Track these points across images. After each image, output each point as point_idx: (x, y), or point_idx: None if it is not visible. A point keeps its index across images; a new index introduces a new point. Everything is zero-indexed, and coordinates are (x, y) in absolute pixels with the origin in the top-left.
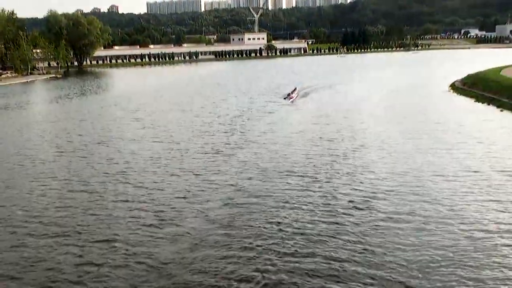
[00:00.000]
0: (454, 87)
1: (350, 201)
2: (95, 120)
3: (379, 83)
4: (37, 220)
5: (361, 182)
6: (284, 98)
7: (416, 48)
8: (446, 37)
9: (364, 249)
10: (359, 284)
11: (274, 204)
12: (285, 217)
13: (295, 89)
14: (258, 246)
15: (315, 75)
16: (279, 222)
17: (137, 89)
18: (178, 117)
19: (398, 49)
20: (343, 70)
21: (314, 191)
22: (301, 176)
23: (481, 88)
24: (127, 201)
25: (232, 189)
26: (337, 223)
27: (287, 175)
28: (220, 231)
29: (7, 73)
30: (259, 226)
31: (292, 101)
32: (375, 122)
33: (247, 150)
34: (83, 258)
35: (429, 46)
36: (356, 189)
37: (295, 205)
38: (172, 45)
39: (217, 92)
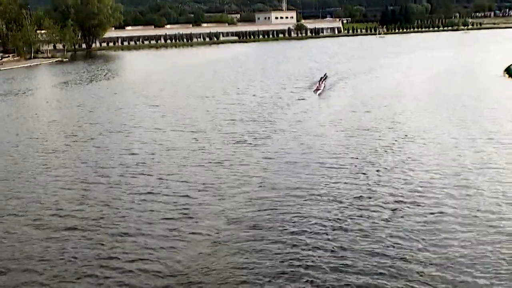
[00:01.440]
0: (509, 71)
1: (393, 197)
2: (108, 107)
3: (423, 67)
4: (51, 213)
5: (405, 177)
6: (314, 91)
7: (466, 27)
8: (500, 15)
9: (416, 248)
10: (414, 283)
11: (306, 200)
12: (321, 216)
13: (325, 77)
14: (288, 251)
15: (350, 58)
16: (314, 223)
17: (152, 74)
18: (198, 104)
19: (445, 28)
20: (383, 53)
21: (352, 187)
22: (336, 169)
23: None
24: (145, 193)
25: (257, 184)
26: (379, 221)
27: (320, 168)
28: (243, 233)
29: (9, 56)
30: (289, 227)
31: (319, 93)
32: (420, 110)
33: (274, 140)
34: (96, 252)
35: (480, 25)
36: (400, 185)
37: (331, 200)
38: (191, 25)
39: (241, 77)
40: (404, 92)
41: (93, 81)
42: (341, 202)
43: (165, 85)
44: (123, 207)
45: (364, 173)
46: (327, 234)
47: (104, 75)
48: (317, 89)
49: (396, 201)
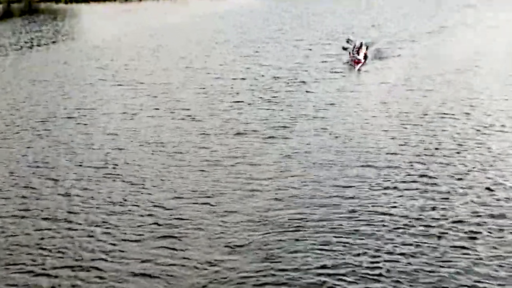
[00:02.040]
0: None
1: (479, 219)
2: (58, 83)
3: (501, 31)
4: None
5: (489, 186)
6: (349, 64)
7: None
8: None
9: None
10: None
11: (345, 222)
12: (369, 249)
13: (362, 46)
14: None
15: (405, 14)
16: (357, 262)
17: (122, 37)
18: (187, 80)
19: None
20: (446, 9)
21: (415, 203)
22: (388, 175)
23: None
24: (112, 206)
25: (271, 196)
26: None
27: (363, 173)
28: (250, 266)
29: None
30: (316, 262)
31: (359, 68)
32: (500, 90)
33: (296, 132)
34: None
35: None
36: (487, 200)
37: (384, 224)
38: None
39: (247, 41)
40: (483, 63)
41: (34, 46)
42: (400, 228)
43: (139, 53)
44: (78, 227)
45: (431, 183)
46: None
47: (53, 37)
48: (356, 61)
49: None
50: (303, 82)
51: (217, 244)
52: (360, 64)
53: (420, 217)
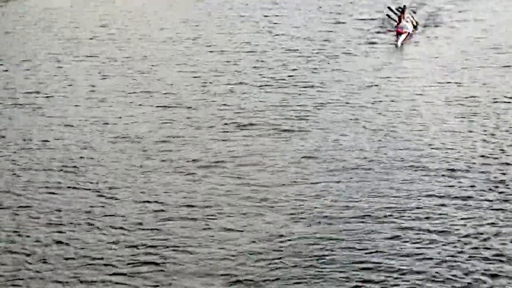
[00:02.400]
0: None
1: None
2: (4, 58)
3: None
4: None
5: None
6: (394, 32)
7: None
8: None
9: None
10: None
11: (396, 249)
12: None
13: (405, 11)
14: None
15: None
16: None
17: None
18: (176, 53)
19: None
20: None
21: (477, 215)
22: (445, 181)
23: None
24: (78, 223)
25: (287, 210)
26: None
27: (411, 178)
28: None
29: None
30: None
31: (403, 41)
32: None
33: (320, 124)
34: None
35: None
36: None
37: (437, 240)
38: None
39: (256, 4)
40: None
41: None
42: (466, 252)
43: (108, 18)
44: (25, 253)
45: (506, 192)
46: None
47: None
48: (399, 32)
49: None
50: (329, 56)
51: (213, 275)
52: (404, 36)
53: (493, 238)
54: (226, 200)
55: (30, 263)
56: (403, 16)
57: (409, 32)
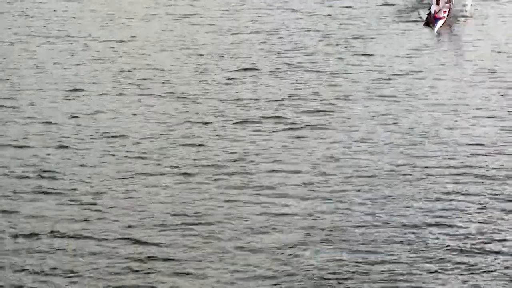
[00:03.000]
0: None
1: None
2: None
3: None
4: None
5: None
6: (427, 24)
7: None
8: None
9: None
10: None
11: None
12: None
13: None
14: None
15: None
16: None
17: None
18: (166, 32)
19: None
20: None
21: None
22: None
23: None
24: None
25: (306, 225)
26: None
27: (457, 188)
28: None
29: None
30: None
31: (440, 26)
32: None
33: (344, 119)
34: None
35: None
36: None
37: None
38: None
39: None
40: None
41: None
42: None
43: None
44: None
45: None
46: None
47: None
48: (435, 18)
49: None
50: (356, 38)
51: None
52: (441, 22)
53: None
54: (225, 212)
55: None
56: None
57: (446, 16)
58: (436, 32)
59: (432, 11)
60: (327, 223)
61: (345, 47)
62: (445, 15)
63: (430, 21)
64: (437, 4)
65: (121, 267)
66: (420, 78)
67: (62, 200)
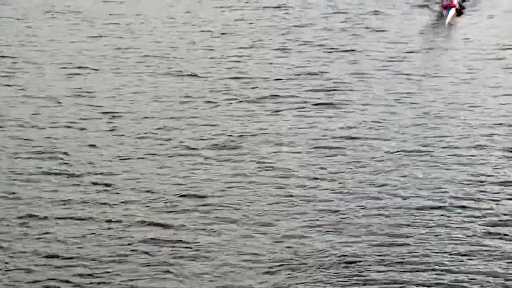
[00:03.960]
0: None
1: None
2: None
3: None
4: None
5: None
6: (442, 8)
7: None
8: None
9: None
10: None
11: None
12: None
13: None
14: None
15: None
16: None
17: None
18: (180, 9)
19: None
20: None
21: None
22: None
23: None
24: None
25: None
26: None
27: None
28: None
29: None
30: None
31: (452, 18)
32: None
33: (361, 97)
34: None
35: None
36: None
37: None
38: None
39: None
40: None
41: None
42: None
43: None
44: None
45: None
46: None
47: None
48: (445, 5)
49: None
50: (365, 28)
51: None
52: (453, 11)
53: None
54: (237, 187)
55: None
56: None
57: (458, 7)
58: (448, 23)
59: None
60: (337, 207)
61: (359, 23)
62: (455, 2)
63: (441, 9)
64: None
65: (130, 249)
66: (437, 56)
67: (68, 182)
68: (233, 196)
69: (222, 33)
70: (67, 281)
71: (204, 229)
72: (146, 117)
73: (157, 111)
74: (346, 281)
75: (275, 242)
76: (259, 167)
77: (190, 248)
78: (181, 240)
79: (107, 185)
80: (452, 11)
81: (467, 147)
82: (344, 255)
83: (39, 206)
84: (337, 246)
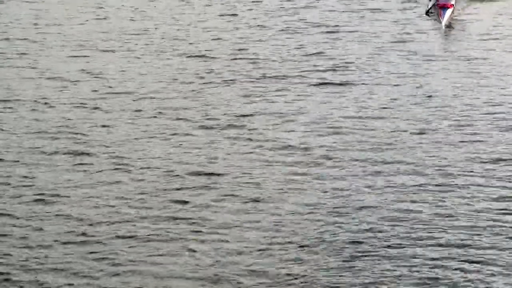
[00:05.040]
0: None
1: None
2: None
3: None
4: None
5: None
6: (428, 13)
7: None
8: None
9: None
10: None
11: None
12: None
13: None
14: None
15: None
16: None
17: None
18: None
19: None
20: None
21: None
22: None
23: None
24: None
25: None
26: None
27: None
28: None
29: None
30: None
31: (446, 24)
32: None
33: (368, 76)
34: None
35: None
36: None
37: None
38: None
39: None
40: None
41: None
42: None
43: None
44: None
45: None
46: None
47: None
48: (442, 4)
49: None
50: (359, 31)
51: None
52: (449, 12)
53: None
54: (248, 166)
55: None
56: None
57: (453, 7)
58: (444, 25)
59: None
60: (343, 186)
61: (361, 3)
62: (453, 2)
63: (436, 11)
64: None
65: (144, 226)
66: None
67: (81, 161)
68: (241, 174)
69: (232, 14)
70: (83, 259)
71: (211, 206)
72: (155, 98)
73: (166, 91)
74: (352, 259)
75: (282, 220)
76: (265, 146)
77: (201, 225)
78: (193, 218)
79: (120, 164)
80: (449, 11)
81: (470, 125)
82: (350, 233)
83: (54, 185)
84: (343, 226)
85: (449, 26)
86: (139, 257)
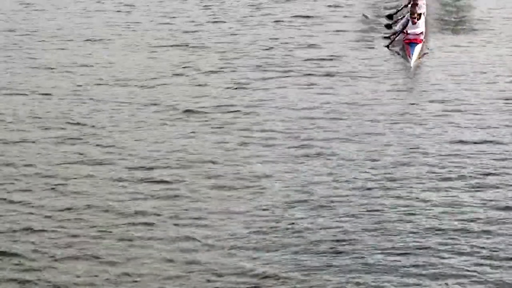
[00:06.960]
0: None
1: None
2: None
3: None
4: None
5: None
6: (388, 37)
7: None
8: None
9: None
10: None
11: None
12: None
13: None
14: None
15: None
16: None
17: None
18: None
19: None
20: None
21: None
22: None
23: None
24: None
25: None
26: None
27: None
28: None
29: None
30: None
31: (417, 57)
32: None
33: (360, 64)
34: None
35: None
36: None
37: None
38: None
39: None
40: None
41: None
42: None
43: None
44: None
45: None
46: None
47: None
48: (409, 41)
49: None
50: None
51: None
52: (419, 48)
53: None
54: (246, 154)
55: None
56: (416, 9)
57: (422, 40)
58: (413, 64)
59: (403, 31)
60: (324, 180)
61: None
62: (423, 37)
63: (404, 46)
64: (413, 22)
65: (145, 205)
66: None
67: (86, 148)
68: (232, 162)
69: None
70: (93, 237)
71: (199, 195)
72: (145, 86)
73: (156, 80)
74: (332, 258)
75: (258, 217)
76: (247, 137)
77: (189, 211)
78: (184, 204)
79: (113, 148)
80: (418, 47)
81: (463, 112)
82: (337, 229)
83: (58, 169)
84: (329, 223)
85: (418, 66)
86: (141, 232)
